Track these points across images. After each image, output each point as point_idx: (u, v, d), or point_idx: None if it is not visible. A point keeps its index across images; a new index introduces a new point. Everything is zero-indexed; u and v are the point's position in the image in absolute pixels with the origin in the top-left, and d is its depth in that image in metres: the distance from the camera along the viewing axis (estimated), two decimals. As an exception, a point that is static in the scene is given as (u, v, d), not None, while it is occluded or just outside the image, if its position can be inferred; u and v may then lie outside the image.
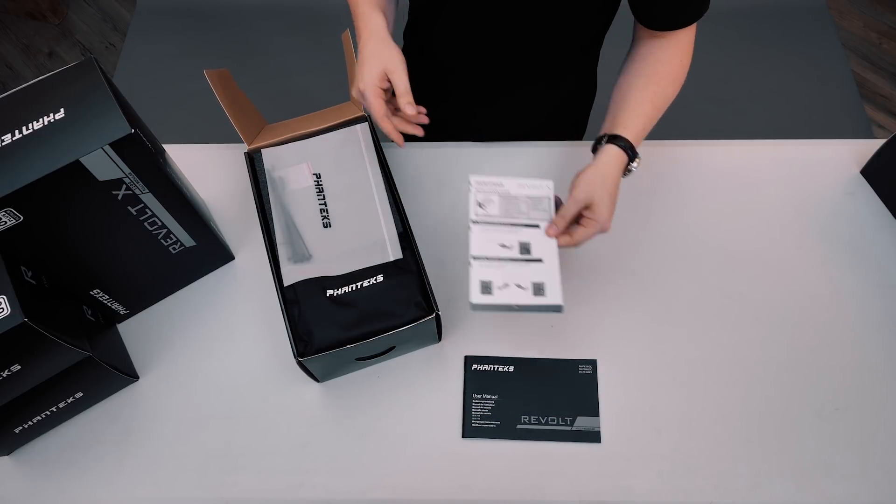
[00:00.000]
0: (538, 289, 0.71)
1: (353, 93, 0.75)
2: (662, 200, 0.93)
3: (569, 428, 0.78)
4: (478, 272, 0.71)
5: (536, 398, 0.79)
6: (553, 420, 0.78)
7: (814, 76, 2.07)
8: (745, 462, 0.75)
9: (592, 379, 0.80)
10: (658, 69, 0.78)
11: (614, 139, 0.74)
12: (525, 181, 0.76)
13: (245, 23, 2.25)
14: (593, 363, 0.81)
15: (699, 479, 0.74)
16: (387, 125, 0.72)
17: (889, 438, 0.76)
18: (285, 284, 0.75)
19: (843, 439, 0.76)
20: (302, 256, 0.77)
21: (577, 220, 0.74)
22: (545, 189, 0.77)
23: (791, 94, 2.03)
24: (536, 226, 0.74)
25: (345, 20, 0.83)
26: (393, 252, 0.77)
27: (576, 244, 0.73)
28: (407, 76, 0.72)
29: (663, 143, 0.99)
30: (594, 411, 0.78)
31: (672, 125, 1.92)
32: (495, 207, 0.75)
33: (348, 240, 0.78)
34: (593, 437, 0.77)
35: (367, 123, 0.87)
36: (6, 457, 0.77)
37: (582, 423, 0.78)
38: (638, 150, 0.76)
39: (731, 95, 2.03)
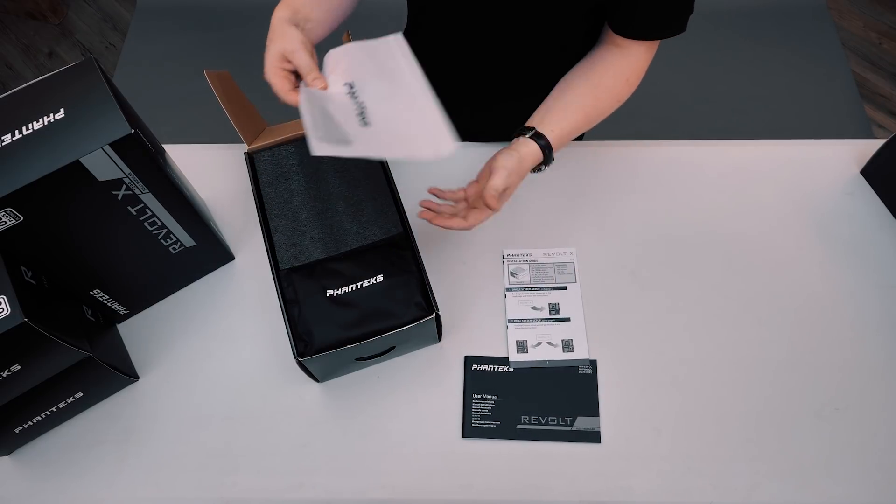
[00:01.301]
0: (567, 345, 0.82)
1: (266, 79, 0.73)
2: (662, 200, 0.93)
3: (569, 428, 0.78)
4: (514, 334, 0.83)
5: (536, 398, 0.79)
6: (553, 420, 0.78)
7: (814, 76, 2.07)
8: (745, 462, 0.75)
9: (592, 379, 0.80)
10: (605, 81, 0.77)
11: (538, 137, 0.75)
12: (550, 249, 0.89)
13: (245, 23, 2.25)
14: (593, 363, 0.81)
15: (699, 479, 0.75)
16: (292, 98, 0.72)
17: (889, 438, 0.76)
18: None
19: (843, 439, 0.76)
20: (339, 139, 0.68)
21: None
22: (568, 255, 0.88)
23: (791, 94, 2.03)
24: (564, 287, 0.85)
25: (345, 20, 0.83)
26: (444, 142, 0.65)
27: (470, 227, 0.75)
28: (308, 54, 0.71)
29: (663, 143, 0.99)
30: (594, 411, 0.78)
31: (672, 125, 1.93)
32: (526, 275, 0.86)
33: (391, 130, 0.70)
34: (593, 437, 0.77)
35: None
36: (6, 457, 0.77)
37: (582, 423, 0.78)
38: (555, 155, 0.76)
39: (731, 95, 2.03)
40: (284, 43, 0.71)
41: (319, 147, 0.66)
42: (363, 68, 0.72)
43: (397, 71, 0.71)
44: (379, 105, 0.69)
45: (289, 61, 0.72)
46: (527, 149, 0.74)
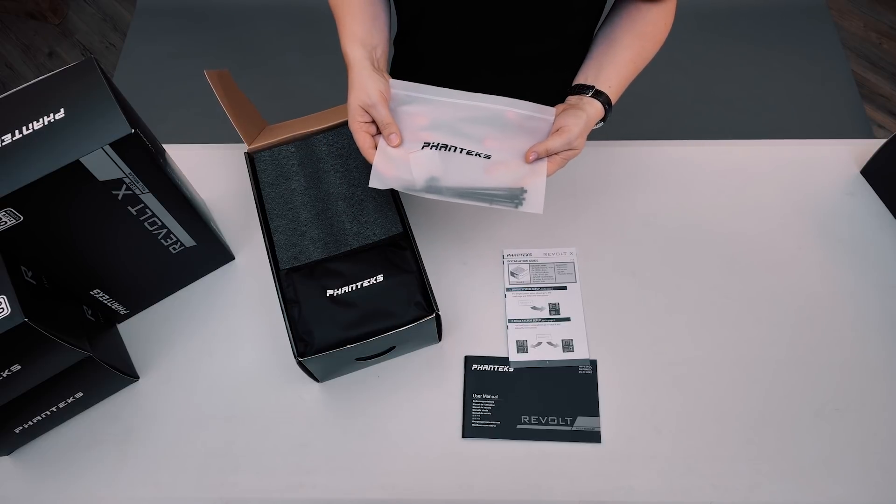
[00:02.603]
0: (567, 345, 0.82)
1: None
2: (663, 200, 0.93)
3: (569, 428, 0.78)
4: (514, 334, 0.83)
5: (536, 398, 0.79)
6: (553, 420, 0.78)
7: (814, 76, 2.07)
8: (745, 462, 0.75)
9: (592, 379, 0.80)
10: (646, 30, 0.79)
11: (598, 94, 0.76)
12: (550, 249, 0.88)
13: (245, 23, 2.25)
14: (593, 363, 0.81)
15: (699, 479, 0.75)
16: (371, 155, 0.73)
17: (889, 438, 0.76)
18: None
19: (843, 439, 0.76)
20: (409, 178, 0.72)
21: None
22: (568, 255, 0.88)
23: (791, 94, 2.03)
24: (564, 287, 0.85)
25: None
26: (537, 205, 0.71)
27: (548, 152, 0.74)
28: (386, 106, 0.72)
29: (663, 143, 0.99)
30: (594, 411, 0.78)
31: (672, 125, 1.93)
32: (526, 275, 0.85)
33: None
34: (593, 437, 0.77)
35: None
36: (6, 457, 0.77)
37: (582, 423, 0.78)
38: (613, 105, 0.78)
39: (731, 95, 2.03)
40: (364, 96, 0.72)
41: (385, 182, 0.71)
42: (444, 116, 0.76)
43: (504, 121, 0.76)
44: (496, 144, 0.75)
45: (368, 113, 0.73)
46: (592, 109, 0.75)
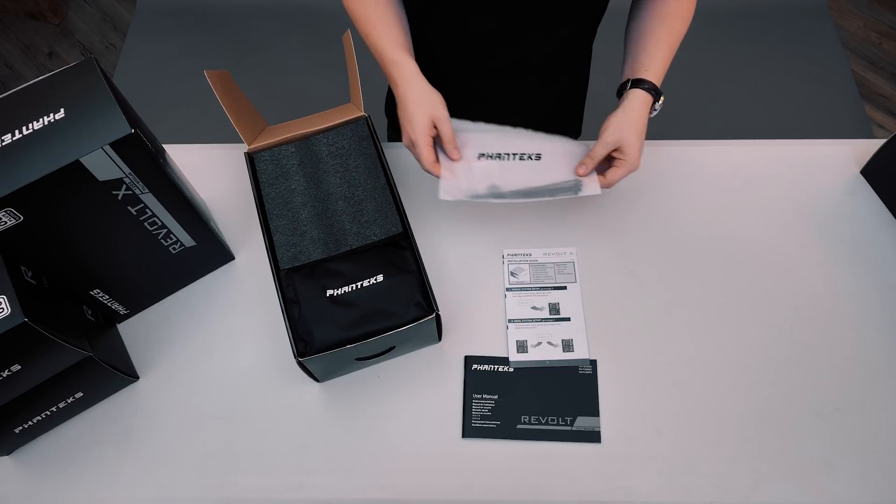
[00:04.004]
0: (567, 345, 0.82)
1: (405, 141, 0.78)
2: (663, 200, 0.93)
3: (569, 428, 0.78)
4: (514, 334, 0.83)
5: (536, 398, 0.79)
6: (553, 420, 0.78)
7: (814, 76, 2.07)
8: (745, 462, 0.75)
9: (592, 379, 0.80)
10: (670, 10, 0.81)
11: (638, 83, 0.78)
12: (550, 249, 0.88)
13: (245, 23, 2.25)
14: (593, 363, 0.81)
15: (699, 479, 0.75)
16: (437, 170, 0.77)
17: (889, 438, 0.76)
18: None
19: (843, 439, 0.76)
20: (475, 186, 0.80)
21: (609, 161, 0.79)
22: (568, 255, 0.88)
23: (791, 94, 2.04)
24: (564, 287, 0.85)
25: (345, 20, 0.83)
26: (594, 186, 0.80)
27: (609, 185, 0.78)
28: (450, 122, 0.76)
29: (663, 143, 0.99)
30: (594, 411, 0.78)
31: (672, 125, 1.93)
32: (526, 275, 0.86)
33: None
34: (593, 437, 0.77)
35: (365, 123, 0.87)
36: (6, 457, 0.77)
37: (582, 423, 0.78)
38: (660, 87, 0.79)
39: (731, 95, 2.03)
40: (433, 110, 0.75)
41: (453, 194, 0.78)
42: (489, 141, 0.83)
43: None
44: (547, 148, 0.83)
45: (435, 127, 0.75)
46: (633, 100, 0.77)
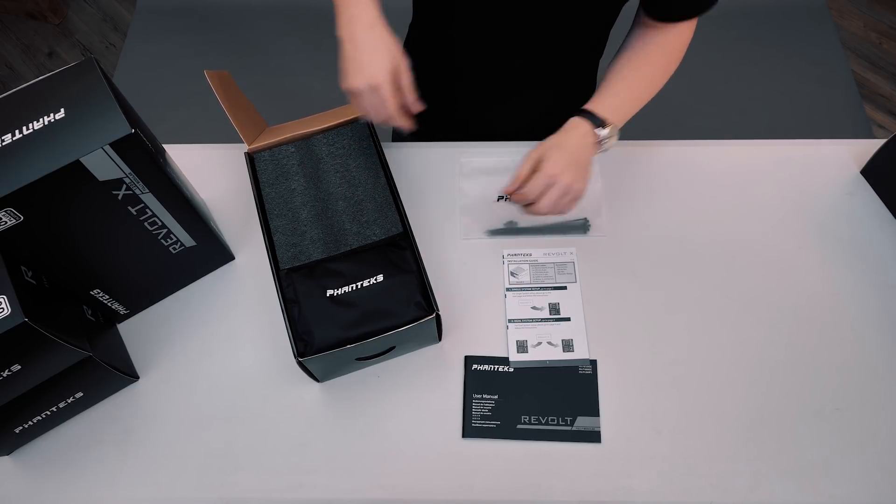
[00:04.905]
0: (567, 345, 0.82)
1: (359, 83, 0.70)
2: (663, 200, 0.93)
3: (569, 428, 0.78)
4: (514, 334, 0.83)
5: (536, 398, 0.79)
6: (553, 420, 0.78)
7: (814, 76, 2.07)
8: (745, 462, 0.75)
9: (592, 379, 0.80)
10: (648, 57, 0.79)
11: (580, 112, 0.77)
12: (550, 249, 0.89)
13: (245, 23, 2.25)
14: (593, 363, 0.81)
15: (699, 479, 0.75)
16: (401, 119, 0.73)
17: (889, 438, 0.76)
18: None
19: (843, 439, 0.76)
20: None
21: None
22: (568, 255, 0.88)
23: (791, 94, 2.04)
24: (564, 287, 0.86)
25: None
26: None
27: (538, 211, 0.76)
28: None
29: (663, 143, 0.99)
30: (594, 411, 0.78)
31: (672, 125, 1.93)
32: (526, 275, 0.87)
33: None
34: (593, 437, 0.77)
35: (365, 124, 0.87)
36: (6, 457, 0.77)
37: (582, 423, 0.78)
38: (610, 124, 0.77)
39: (731, 95, 2.03)
40: (395, 57, 0.70)
41: (474, 233, 0.91)
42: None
43: None
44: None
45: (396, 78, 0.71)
46: (566, 125, 0.77)
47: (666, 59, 0.80)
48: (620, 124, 0.79)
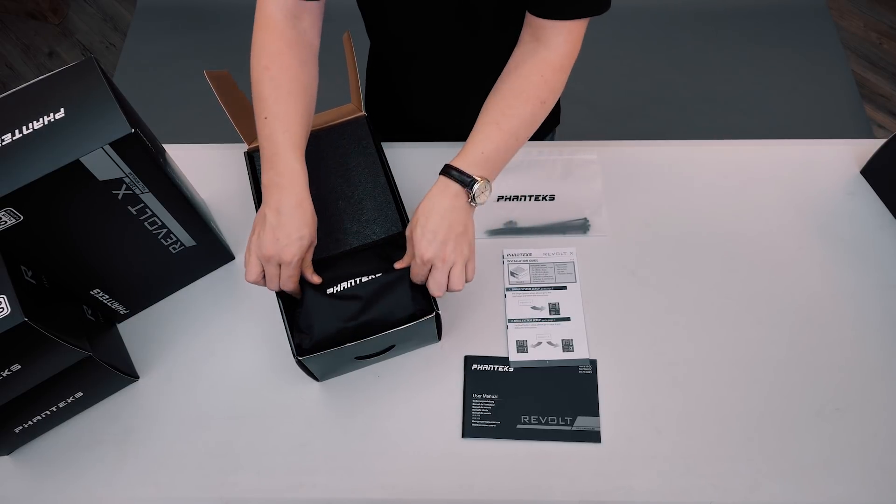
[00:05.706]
0: (567, 345, 0.82)
1: (272, 253, 0.68)
2: (662, 200, 0.93)
3: (569, 428, 0.78)
4: (514, 333, 0.83)
5: (536, 398, 0.79)
6: (553, 420, 0.78)
7: (814, 76, 2.07)
8: (745, 462, 0.75)
9: (592, 379, 0.80)
10: (515, 86, 0.72)
11: (447, 169, 0.70)
12: (550, 249, 0.89)
13: (245, 23, 2.23)
14: (593, 363, 0.81)
15: (699, 479, 0.74)
16: (298, 291, 0.73)
17: (889, 438, 0.76)
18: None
19: (843, 439, 0.76)
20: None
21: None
22: (568, 255, 0.88)
23: (791, 94, 2.04)
24: (564, 287, 0.86)
25: (345, 20, 0.83)
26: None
27: (435, 292, 0.70)
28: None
29: (664, 143, 0.99)
30: (594, 411, 0.78)
31: (672, 125, 1.93)
32: (526, 275, 0.86)
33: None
34: (593, 437, 0.77)
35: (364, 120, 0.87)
36: (6, 457, 0.77)
37: (582, 423, 0.78)
38: (477, 174, 0.69)
39: (731, 95, 2.03)
40: (312, 234, 0.70)
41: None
42: None
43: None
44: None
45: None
46: (434, 187, 0.71)
47: (534, 90, 0.72)
48: (493, 178, 0.71)
